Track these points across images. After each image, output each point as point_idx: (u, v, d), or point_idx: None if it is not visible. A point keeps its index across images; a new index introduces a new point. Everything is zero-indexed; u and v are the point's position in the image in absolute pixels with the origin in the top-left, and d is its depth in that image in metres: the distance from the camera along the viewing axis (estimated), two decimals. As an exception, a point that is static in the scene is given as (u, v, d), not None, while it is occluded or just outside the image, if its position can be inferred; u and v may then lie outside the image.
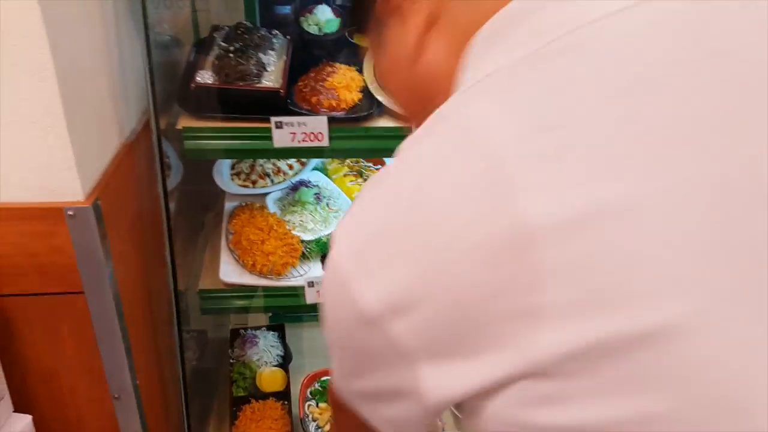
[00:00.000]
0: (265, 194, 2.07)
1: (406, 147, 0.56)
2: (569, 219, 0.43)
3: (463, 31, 0.59)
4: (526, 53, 0.51)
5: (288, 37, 1.92)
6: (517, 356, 0.45)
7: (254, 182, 2.09)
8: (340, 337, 0.61)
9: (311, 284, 1.85)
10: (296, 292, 1.88)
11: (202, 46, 1.86)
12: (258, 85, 1.69)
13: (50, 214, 1.16)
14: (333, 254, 0.55)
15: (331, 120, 1.68)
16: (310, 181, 2.11)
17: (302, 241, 1.93)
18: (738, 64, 0.46)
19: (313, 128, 1.67)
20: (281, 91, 1.67)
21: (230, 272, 1.85)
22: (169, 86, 1.83)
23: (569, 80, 0.47)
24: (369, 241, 0.52)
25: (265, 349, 2.29)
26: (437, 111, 0.54)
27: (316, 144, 1.70)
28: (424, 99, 0.66)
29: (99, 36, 1.34)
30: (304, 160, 2.20)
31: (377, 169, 2.30)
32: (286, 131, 1.66)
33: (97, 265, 1.24)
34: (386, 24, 0.69)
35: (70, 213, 1.16)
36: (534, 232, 0.43)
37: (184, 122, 1.64)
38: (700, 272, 0.42)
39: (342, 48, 1.97)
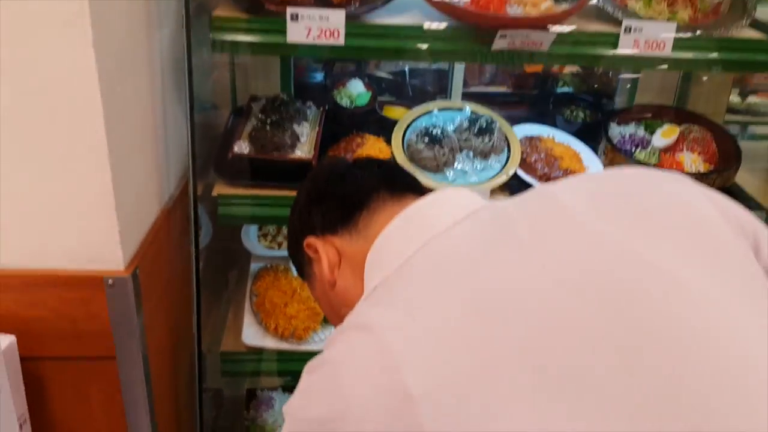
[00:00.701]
0: (291, 256, 2.11)
1: (327, 343, 0.79)
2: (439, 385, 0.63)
3: (360, 262, 0.88)
4: (391, 271, 0.78)
5: (321, 108, 2.01)
6: None
7: (280, 244, 2.14)
8: None
9: (332, 349, 1.87)
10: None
11: (240, 114, 1.94)
12: (291, 156, 1.76)
13: (91, 283, 1.21)
14: None
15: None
16: (334, 245, 2.15)
17: (325, 306, 1.96)
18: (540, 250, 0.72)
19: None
20: (313, 161, 1.74)
21: (253, 335, 1.87)
22: (207, 153, 1.91)
23: (421, 283, 0.74)
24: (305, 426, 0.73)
25: (281, 413, 2.28)
26: (347, 317, 0.77)
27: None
28: (342, 311, 0.91)
29: (148, 112, 1.42)
30: (329, 223, 2.25)
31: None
32: (316, 200, 1.72)
33: (131, 332, 1.28)
34: (310, 265, 1.02)
35: (110, 282, 1.21)
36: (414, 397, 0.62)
37: (220, 189, 1.71)
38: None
39: (371, 120, 2.04)
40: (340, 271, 0.93)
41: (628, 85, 2.42)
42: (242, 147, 1.73)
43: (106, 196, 1.16)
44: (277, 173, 1.73)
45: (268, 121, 1.76)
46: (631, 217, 0.73)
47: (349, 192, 0.97)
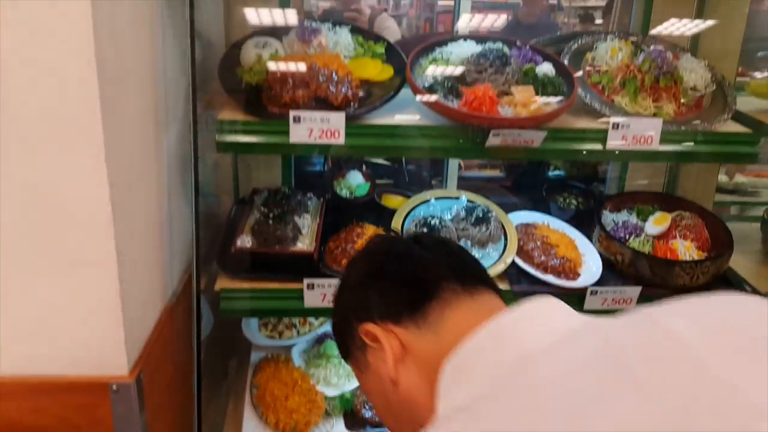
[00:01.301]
0: (291, 346, 2.11)
1: None
2: None
3: (429, 362, 0.78)
4: (482, 393, 0.68)
5: (321, 199, 2.06)
6: None
7: (281, 333, 2.15)
8: None
9: (333, 443, 1.85)
10: (318, 450, 1.87)
11: (242, 206, 2.00)
12: (293, 249, 1.80)
13: (95, 389, 1.21)
14: None
15: (360, 282, 1.77)
16: (335, 333, 2.16)
17: (326, 398, 1.95)
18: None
19: (343, 290, 1.75)
20: (314, 254, 1.78)
21: (253, 430, 1.85)
22: (209, 243, 1.95)
23: (519, 419, 0.62)
24: None
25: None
26: None
27: (344, 305, 1.77)
28: (403, 419, 0.84)
29: (155, 211, 1.47)
30: (329, 310, 2.26)
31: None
32: (317, 292, 1.74)
33: (133, 436, 1.27)
34: (363, 353, 0.90)
35: (114, 388, 1.22)
36: None
37: (222, 283, 1.74)
38: None
39: (371, 210, 2.10)
40: (402, 367, 0.82)
41: (618, 169, 2.49)
42: (245, 241, 1.77)
43: (112, 301, 1.19)
44: (278, 266, 1.77)
45: (271, 215, 1.80)
46: (753, 357, 0.63)
47: (416, 276, 0.87)
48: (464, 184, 2.49)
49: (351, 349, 0.93)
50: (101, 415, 1.23)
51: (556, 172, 2.93)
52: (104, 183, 1.13)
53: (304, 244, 1.82)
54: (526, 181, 2.82)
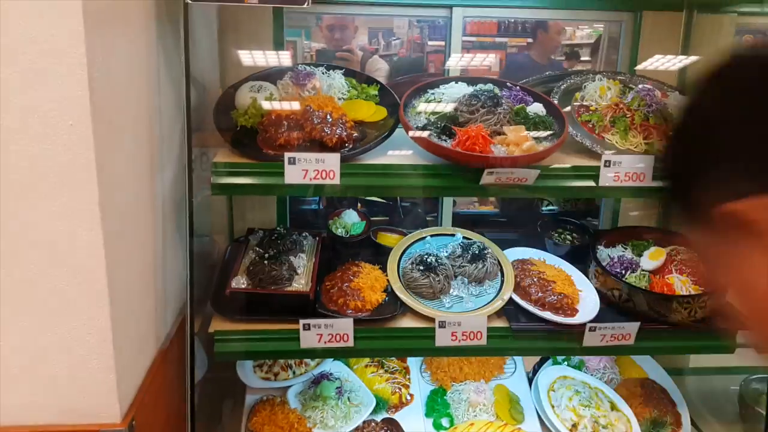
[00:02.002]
0: (287, 387, 2.08)
1: None
2: None
3: None
4: None
5: (317, 238, 2.06)
6: None
7: (276, 374, 2.11)
8: None
9: (331, 489, 1.80)
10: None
11: (237, 247, 1.99)
12: (288, 289, 1.78)
13: (87, 437, 1.19)
14: None
15: (357, 321, 1.75)
16: (331, 374, 2.13)
17: (322, 440, 1.91)
18: None
19: (340, 330, 1.74)
20: (310, 294, 1.77)
21: (249, 476, 1.81)
22: (204, 283, 1.93)
23: None
24: None
25: None
26: None
27: (341, 345, 1.75)
28: None
29: (149, 254, 1.46)
30: (325, 350, 2.24)
31: (399, 359, 2.32)
32: (313, 333, 1.73)
33: (125, 486, 1.24)
34: (728, 235, 0.62)
35: (106, 436, 1.19)
36: None
37: (216, 325, 1.72)
38: None
39: (367, 248, 2.10)
40: None
41: (612, 203, 2.51)
42: (240, 282, 1.76)
43: (104, 348, 1.18)
44: (274, 307, 1.75)
45: (266, 255, 1.80)
46: None
47: None
48: (459, 220, 2.50)
49: (710, 233, 0.65)
50: (92, 466, 1.20)
51: (550, 208, 2.95)
52: (98, 228, 1.12)
53: (300, 284, 1.81)
54: (521, 216, 2.84)
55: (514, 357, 2.38)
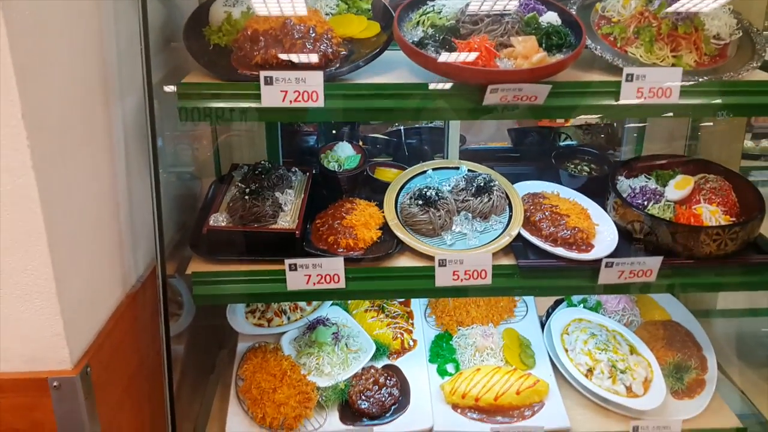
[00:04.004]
0: (281, 333, 1.95)
1: None
2: None
3: None
4: None
5: (307, 173, 1.89)
6: None
7: (270, 320, 1.99)
8: None
9: (326, 438, 1.69)
10: (310, 446, 1.71)
11: (220, 185, 1.83)
12: (273, 227, 1.63)
13: (33, 386, 1.06)
14: None
15: (349, 260, 1.60)
16: (328, 319, 1.99)
17: (318, 388, 1.79)
18: None
19: (329, 270, 1.58)
20: (296, 232, 1.61)
21: (238, 426, 1.70)
22: (185, 222, 1.79)
23: None
24: None
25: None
26: None
27: (332, 286, 1.60)
28: None
29: (107, 190, 1.31)
30: (323, 294, 2.10)
31: (401, 303, 2.18)
32: (301, 274, 1.58)
33: (83, 439, 1.12)
34: None
35: (55, 384, 1.06)
36: None
37: (194, 267, 1.57)
38: None
39: (362, 184, 1.92)
40: None
41: (635, 135, 2.29)
42: (218, 220, 1.61)
43: (45, 285, 1.03)
44: (258, 247, 1.60)
45: (247, 190, 1.63)
46: None
47: None
48: (467, 156, 2.30)
49: None
50: (42, 417, 1.08)
51: (568, 143, 2.73)
52: (23, 147, 0.96)
53: (286, 221, 1.65)
54: (535, 152, 2.63)
55: (526, 300, 2.23)
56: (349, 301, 2.14)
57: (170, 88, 1.46)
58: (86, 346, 1.15)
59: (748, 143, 3.24)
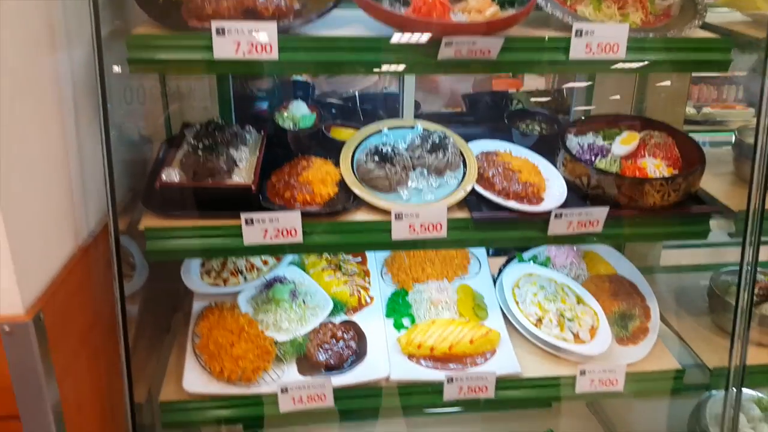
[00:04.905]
0: (237, 293, 1.95)
1: None
2: None
3: None
4: None
5: (262, 132, 1.88)
6: None
7: (225, 280, 1.98)
8: None
9: (285, 390, 1.70)
10: (269, 399, 1.72)
11: (172, 143, 1.80)
12: (228, 182, 1.62)
13: (-17, 332, 1.04)
14: None
15: (306, 215, 1.61)
16: (285, 277, 2.00)
17: (276, 343, 1.80)
18: None
19: (286, 224, 1.59)
20: (252, 186, 1.60)
21: (195, 380, 1.70)
22: (136, 185, 1.76)
23: None
24: None
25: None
26: None
27: (289, 240, 1.61)
28: None
29: (55, 143, 1.28)
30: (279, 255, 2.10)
31: (357, 262, 2.21)
32: (258, 228, 1.58)
33: (37, 386, 1.11)
34: None
35: (6, 329, 1.05)
36: None
37: (147, 222, 1.55)
38: None
39: (317, 142, 1.92)
40: None
41: (584, 98, 2.36)
42: (171, 175, 1.59)
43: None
44: (213, 202, 1.59)
45: (200, 145, 1.62)
46: None
47: None
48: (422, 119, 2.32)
49: None
50: (-7, 364, 1.06)
51: (519, 107, 2.79)
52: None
53: (241, 177, 1.65)
54: (488, 116, 2.67)
55: (479, 257, 2.28)
56: (306, 261, 2.15)
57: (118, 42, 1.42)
58: (39, 294, 1.13)
59: (691, 110, 3.37)
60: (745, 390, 2.05)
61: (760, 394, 2.44)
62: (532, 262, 2.23)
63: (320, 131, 1.94)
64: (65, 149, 1.32)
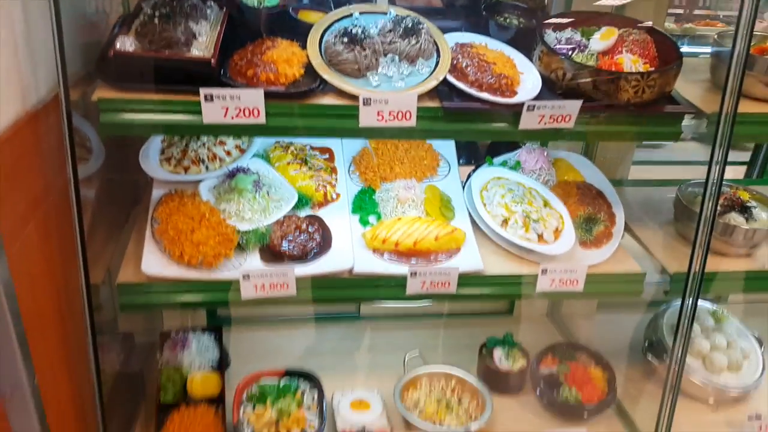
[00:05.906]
0: (199, 182, 1.89)
1: None
2: None
3: None
4: None
5: (224, 9, 1.76)
6: None
7: (186, 168, 1.91)
8: None
9: (247, 277, 1.68)
10: (231, 286, 1.70)
11: (129, 16, 1.68)
12: (186, 54, 1.52)
13: None
14: None
15: (269, 95, 1.53)
16: (248, 168, 1.94)
17: (238, 232, 1.76)
18: None
19: (248, 103, 1.51)
20: (212, 60, 1.51)
21: (154, 263, 1.66)
22: (90, 60, 1.65)
23: None
24: None
25: (198, 353, 2.09)
26: None
27: (251, 121, 1.54)
28: None
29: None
30: (243, 146, 2.03)
31: (324, 159, 2.15)
32: (218, 105, 1.50)
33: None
34: None
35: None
36: None
37: (101, 93, 1.46)
38: None
39: (284, 23, 1.81)
40: None
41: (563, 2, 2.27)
42: (126, 43, 1.49)
43: None
44: (170, 74, 1.49)
45: (157, 14, 1.51)
46: None
47: None
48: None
49: None
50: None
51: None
52: None
53: (201, 50, 1.55)
54: (465, 9, 2.55)
55: (448, 160, 2.25)
56: (271, 155, 2.09)
57: None
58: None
59: (671, 25, 3.30)
60: (701, 302, 2.11)
61: (715, 307, 2.53)
62: (502, 166, 2.21)
63: (288, 13, 1.83)
64: (10, 21, 1.22)
